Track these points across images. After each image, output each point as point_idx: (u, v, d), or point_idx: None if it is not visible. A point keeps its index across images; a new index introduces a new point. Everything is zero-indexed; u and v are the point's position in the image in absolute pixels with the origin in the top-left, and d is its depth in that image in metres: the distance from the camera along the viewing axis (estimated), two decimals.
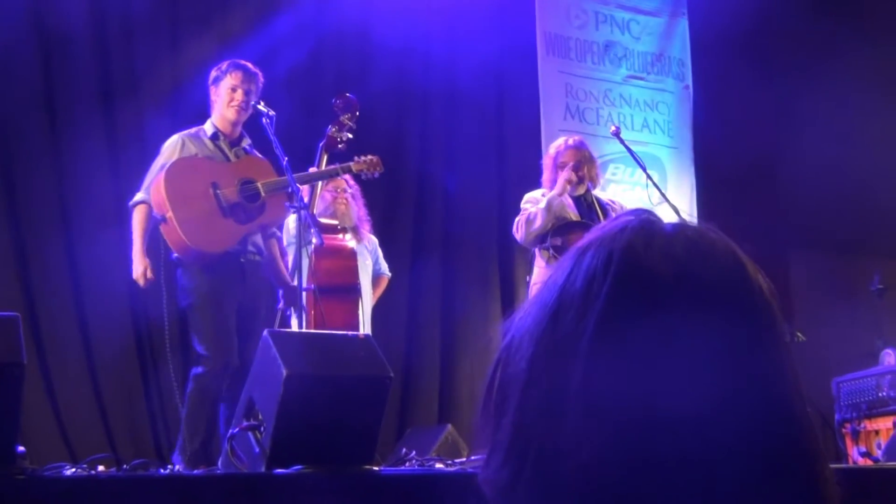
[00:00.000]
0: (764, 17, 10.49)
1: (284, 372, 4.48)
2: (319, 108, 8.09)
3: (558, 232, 6.84)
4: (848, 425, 7.63)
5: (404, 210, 9.29)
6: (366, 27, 9.07)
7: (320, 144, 6.57)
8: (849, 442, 7.58)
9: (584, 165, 7.06)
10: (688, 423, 1.01)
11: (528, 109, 9.80)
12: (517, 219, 7.05)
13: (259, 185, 6.16)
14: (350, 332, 5.27)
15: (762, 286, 1.10)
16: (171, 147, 6.25)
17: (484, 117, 9.57)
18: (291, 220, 6.71)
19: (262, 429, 4.62)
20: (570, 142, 7.24)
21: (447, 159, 9.50)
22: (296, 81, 8.55)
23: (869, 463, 6.77)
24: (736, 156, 10.14)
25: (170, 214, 5.94)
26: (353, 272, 6.68)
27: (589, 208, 7.04)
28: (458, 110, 9.48)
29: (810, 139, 10.00)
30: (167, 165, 6.08)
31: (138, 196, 6.17)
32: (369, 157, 6.63)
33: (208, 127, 6.35)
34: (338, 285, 6.52)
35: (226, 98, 6.28)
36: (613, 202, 7.31)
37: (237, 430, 4.75)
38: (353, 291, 6.66)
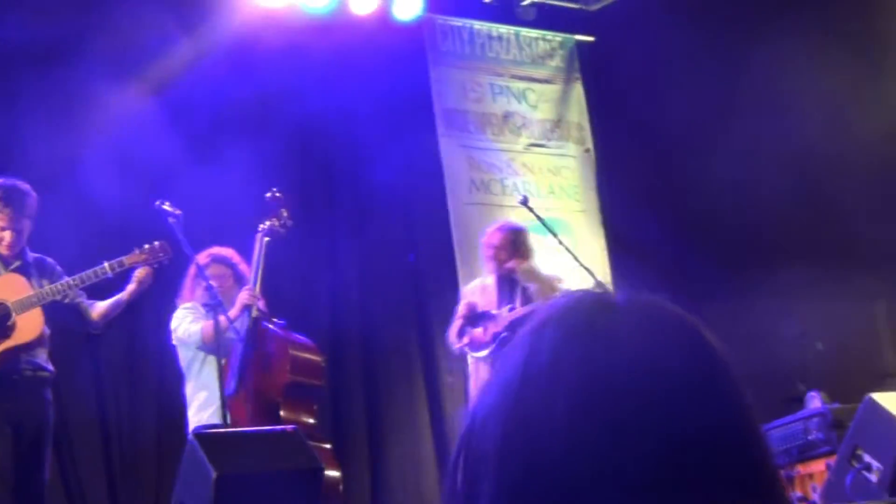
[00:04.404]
0: (653, 70, 10.67)
1: (214, 474, 4.40)
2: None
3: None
4: (781, 472, 7.65)
5: (319, 288, 9.20)
6: (261, 99, 9.05)
7: (258, 236, 6.62)
8: None
9: (498, 252, 7.72)
10: (679, 491, 1.03)
11: (433, 185, 9.81)
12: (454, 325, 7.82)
13: (10, 304, 6.08)
14: (277, 427, 5.19)
15: (714, 341, 1.14)
16: None
17: (389, 196, 9.52)
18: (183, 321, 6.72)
19: None
20: (489, 231, 7.94)
21: (355, 235, 9.45)
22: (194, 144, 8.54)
23: None
24: (643, 213, 10.23)
25: None
26: (321, 371, 6.69)
27: (511, 288, 7.73)
28: (362, 186, 9.41)
29: (713, 189, 10.14)
30: None
31: None
32: (148, 246, 6.36)
33: None
34: (306, 384, 6.52)
35: None
36: (528, 285, 7.73)
37: None
38: (318, 391, 6.68)
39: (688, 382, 1.08)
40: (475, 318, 7.66)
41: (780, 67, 10.08)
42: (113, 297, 6.51)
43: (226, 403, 6.09)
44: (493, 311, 7.63)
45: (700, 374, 1.10)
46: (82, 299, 6.41)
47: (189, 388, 6.82)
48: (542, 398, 1.08)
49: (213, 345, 6.50)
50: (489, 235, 7.88)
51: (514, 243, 7.72)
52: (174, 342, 6.86)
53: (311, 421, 6.24)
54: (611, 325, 1.11)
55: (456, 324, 7.74)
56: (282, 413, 6.19)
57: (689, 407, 1.07)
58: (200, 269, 6.47)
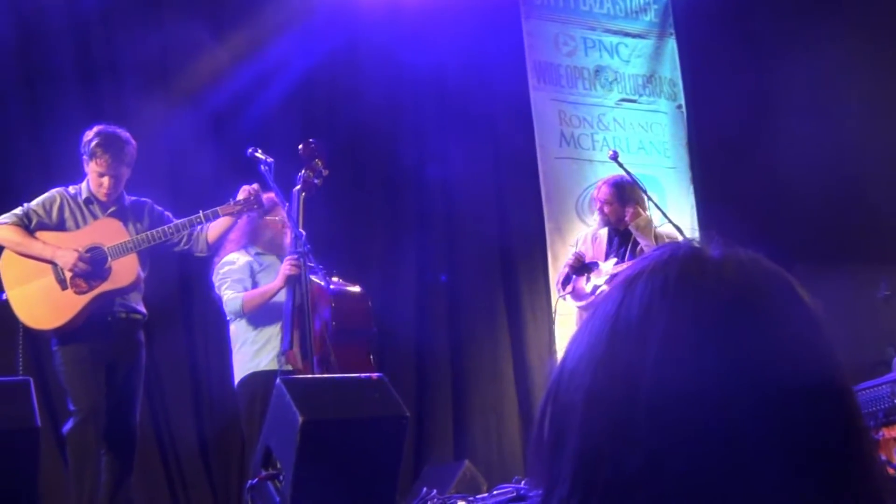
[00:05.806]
0: (750, 27, 10.53)
1: (300, 418, 4.45)
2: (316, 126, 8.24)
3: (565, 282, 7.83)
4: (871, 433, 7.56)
5: (407, 240, 9.21)
6: (354, 53, 9.08)
7: (295, 190, 6.50)
8: None
9: (603, 206, 7.75)
10: (763, 442, 1.00)
11: (523, 138, 9.78)
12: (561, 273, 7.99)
13: (106, 249, 6.16)
14: (363, 374, 5.23)
15: (807, 298, 1.12)
16: (49, 201, 6.26)
17: (479, 149, 9.51)
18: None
19: (281, 477, 4.59)
20: (597, 184, 8.12)
21: (445, 187, 9.42)
22: (292, 99, 8.59)
23: (891, 472, 6.72)
24: (733, 171, 10.14)
25: (6, 296, 6.08)
26: (368, 315, 6.62)
27: (622, 241, 7.71)
28: (453, 138, 9.38)
29: (806, 149, 10.00)
30: (7, 247, 6.14)
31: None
32: (246, 189, 6.43)
33: (84, 189, 6.33)
34: (353, 329, 6.47)
35: (94, 181, 6.27)
36: (640, 240, 7.65)
37: (255, 480, 4.71)
38: (367, 334, 6.61)
39: (780, 342, 1.04)
40: (581, 268, 7.68)
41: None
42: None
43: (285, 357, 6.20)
44: (599, 263, 7.65)
45: (794, 333, 1.06)
46: (189, 231, 6.43)
47: (232, 332, 6.82)
48: (630, 352, 1.04)
49: (261, 310, 6.59)
50: (596, 188, 8.00)
51: (619, 197, 7.69)
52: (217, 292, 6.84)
53: (365, 365, 6.17)
54: (703, 280, 1.07)
55: (562, 272, 7.84)
56: (333, 360, 6.15)
57: (781, 366, 1.02)
58: (294, 219, 6.47)
